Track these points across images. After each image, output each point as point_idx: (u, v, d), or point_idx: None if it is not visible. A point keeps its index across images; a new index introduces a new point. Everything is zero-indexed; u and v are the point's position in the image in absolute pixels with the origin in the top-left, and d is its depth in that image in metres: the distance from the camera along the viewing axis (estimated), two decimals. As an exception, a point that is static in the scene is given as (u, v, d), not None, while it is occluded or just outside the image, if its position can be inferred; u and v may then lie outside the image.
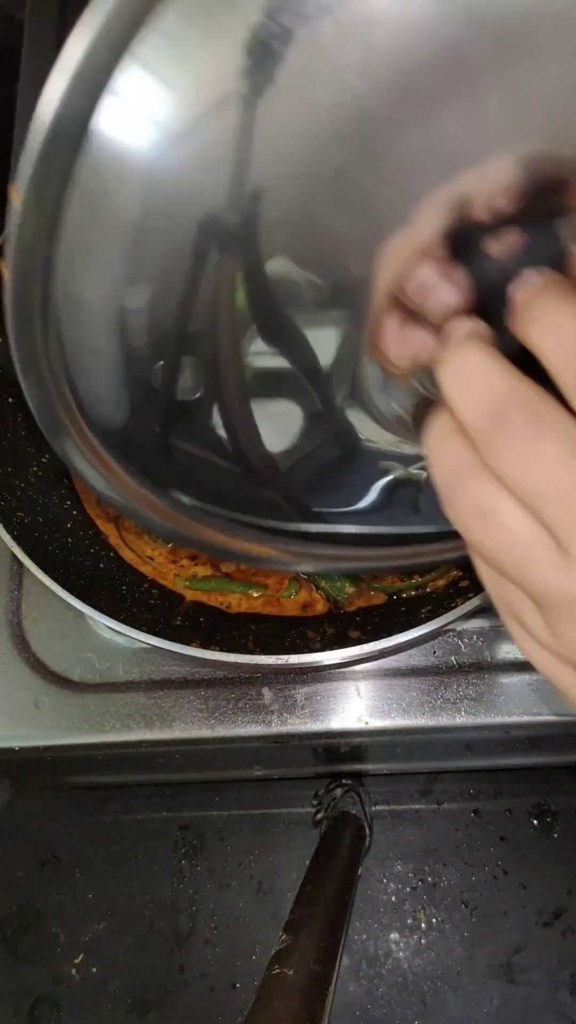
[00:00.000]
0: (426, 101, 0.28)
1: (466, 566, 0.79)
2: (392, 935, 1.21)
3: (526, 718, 0.80)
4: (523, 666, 0.81)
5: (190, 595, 0.80)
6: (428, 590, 0.78)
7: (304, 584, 0.80)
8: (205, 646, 0.69)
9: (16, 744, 0.82)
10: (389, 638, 0.68)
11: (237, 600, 0.79)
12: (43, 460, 0.86)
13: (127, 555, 0.82)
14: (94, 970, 1.21)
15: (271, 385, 0.42)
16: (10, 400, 0.85)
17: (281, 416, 0.45)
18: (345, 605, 0.78)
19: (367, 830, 1.12)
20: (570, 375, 0.27)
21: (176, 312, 0.36)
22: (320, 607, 0.79)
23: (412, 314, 0.35)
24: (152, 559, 0.82)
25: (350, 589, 0.78)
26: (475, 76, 0.28)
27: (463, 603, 0.69)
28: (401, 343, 0.36)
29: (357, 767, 1.13)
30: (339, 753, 0.98)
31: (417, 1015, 1.17)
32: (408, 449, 0.47)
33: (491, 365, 0.28)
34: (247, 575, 0.81)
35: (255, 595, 0.79)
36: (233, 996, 1.19)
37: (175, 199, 0.31)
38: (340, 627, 0.77)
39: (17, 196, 0.31)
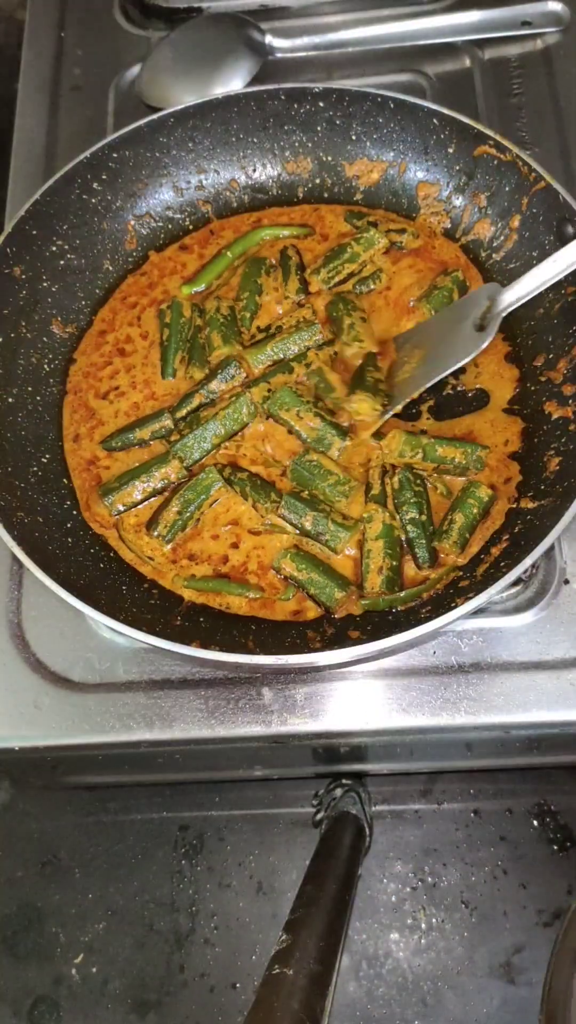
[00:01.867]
0: None
1: (466, 567, 0.79)
2: (392, 935, 1.21)
3: (526, 718, 0.80)
4: (523, 666, 0.81)
5: (188, 595, 0.80)
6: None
7: (296, 591, 0.80)
8: (205, 646, 0.69)
9: (16, 744, 0.82)
10: (389, 638, 0.68)
11: (237, 602, 0.79)
12: (43, 460, 0.86)
13: (127, 555, 0.82)
14: (94, 970, 1.21)
15: None
16: (10, 400, 0.86)
17: None
18: (335, 609, 0.78)
19: (367, 830, 1.12)
20: None
21: None
22: (311, 614, 0.79)
23: None
24: (152, 559, 0.82)
25: (339, 594, 0.77)
26: None
27: (463, 603, 0.69)
28: None
29: (357, 767, 1.13)
30: (339, 753, 0.98)
31: (417, 1015, 1.17)
32: None
33: None
34: (243, 576, 0.80)
35: (251, 596, 0.79)
36: (233, 996, 1.19)
37: None
38: (340, 627, 0.77)
39: None
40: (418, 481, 0.82)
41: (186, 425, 0.86)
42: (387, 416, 0.86)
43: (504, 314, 0.83)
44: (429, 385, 0.85)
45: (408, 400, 0.86)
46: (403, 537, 0.80)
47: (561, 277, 0.81)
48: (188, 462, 0.84)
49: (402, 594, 0.77)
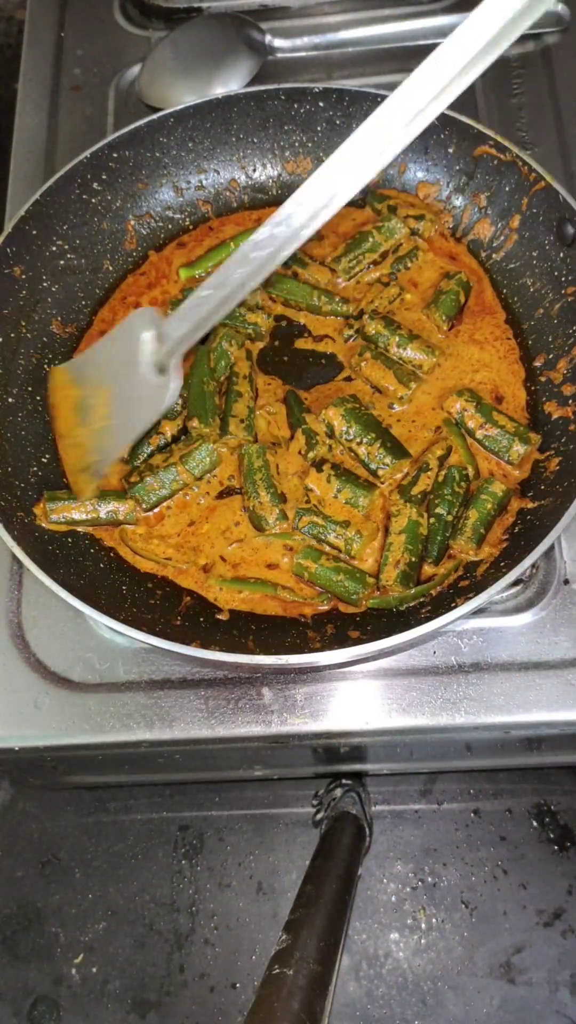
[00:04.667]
0: None
1: (467, 568, 0.79)
2: (392, 935, 1.21)
3: (526, 718, 0.80)
4: (523, 666, 0.81)
5: (224, 600, 0.80)
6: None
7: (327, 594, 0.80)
8: (205, 646, 0.69)
9: (16, 744, 0.82)
10: (389, 638, 0.68)
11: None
12: (43, 460, 0.86)
13: (144, 565, 0.82)
14: (94, 970, 1.21)
15: None
16: (10, 400, 0.86)
17: None
18: (361, 600, 0.77)
19: (367, 830, 1.12)
20: None
21: None
22: (309, 611, 0.79)
23: None
24: (170, 559, 0.81)
25: (370, 580, 0.78)
26: None
27: (463, 603, 0.69)
28: None
29: (357, 767, 1.13)
30: (339, 753, 0.98)
31: (417, 1015, 1.17)
32: None
33: None
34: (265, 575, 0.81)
35: (289, 599, 0.79)
36: (233, 996, 1.19)
37: None
38: (340, 627, 0.77)
39: None
40: (461, 483, 0.81)
41: (146, 468, 0.84)
42: (102, 473, 0.82)
43: (182, 353, 0.76)
44: (134, 441, 0.82)
45: (118, 457, 0.83)
46: (425, 533, 0.80)
47: (221, 313, 0.72)
48: (146, 505, 0.83)
49: (411, 591, 0.77)
